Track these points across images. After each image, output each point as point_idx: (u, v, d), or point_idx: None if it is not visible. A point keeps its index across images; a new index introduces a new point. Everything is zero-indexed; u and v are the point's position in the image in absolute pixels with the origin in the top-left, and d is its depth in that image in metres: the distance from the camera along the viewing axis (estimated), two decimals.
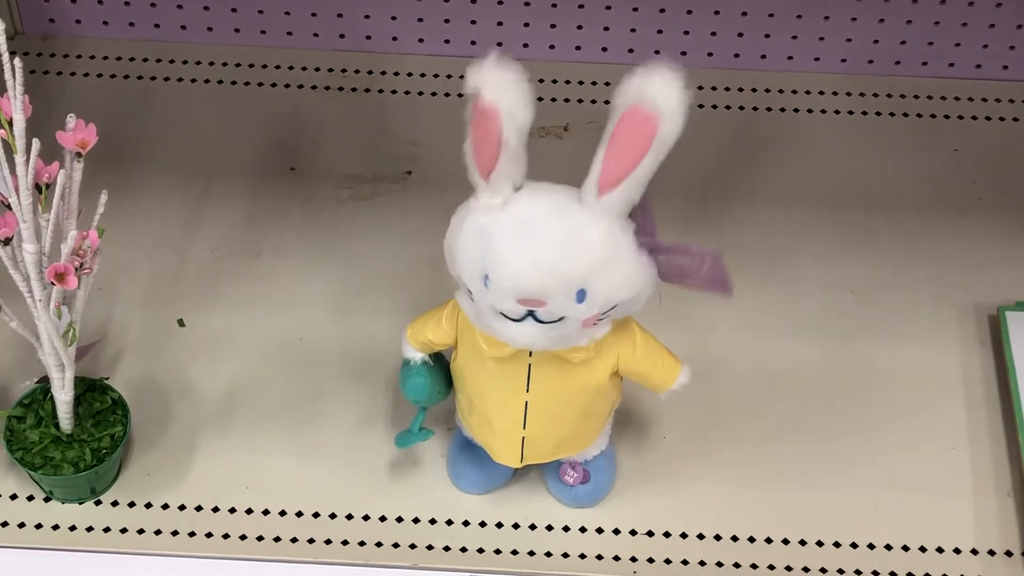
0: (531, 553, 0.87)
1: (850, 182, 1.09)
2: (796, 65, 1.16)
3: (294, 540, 0.87)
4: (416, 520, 0.88)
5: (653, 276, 0.72)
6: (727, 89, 1.15)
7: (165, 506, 0.88)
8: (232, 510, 0.88)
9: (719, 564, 0.87)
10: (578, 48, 1.16)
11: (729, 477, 0.91)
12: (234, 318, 0.98)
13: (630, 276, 0.71)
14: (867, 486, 0.91)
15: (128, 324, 0.98)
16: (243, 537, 0.87)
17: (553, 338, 0.73)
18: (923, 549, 0.88)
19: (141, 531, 0.87)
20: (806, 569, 0.87)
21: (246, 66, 1.16)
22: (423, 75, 1.16)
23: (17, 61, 0.70)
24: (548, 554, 0.87)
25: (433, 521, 0.88)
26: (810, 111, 1.14)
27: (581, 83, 1.15)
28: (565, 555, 0.87)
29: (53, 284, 0.75)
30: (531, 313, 0.71)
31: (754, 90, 1.15)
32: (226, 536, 0.87)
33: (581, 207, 0.70)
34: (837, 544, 0.88)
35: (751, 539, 0.88)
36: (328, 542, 0.87)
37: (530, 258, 0.70)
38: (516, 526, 0.88)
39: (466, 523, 0.88)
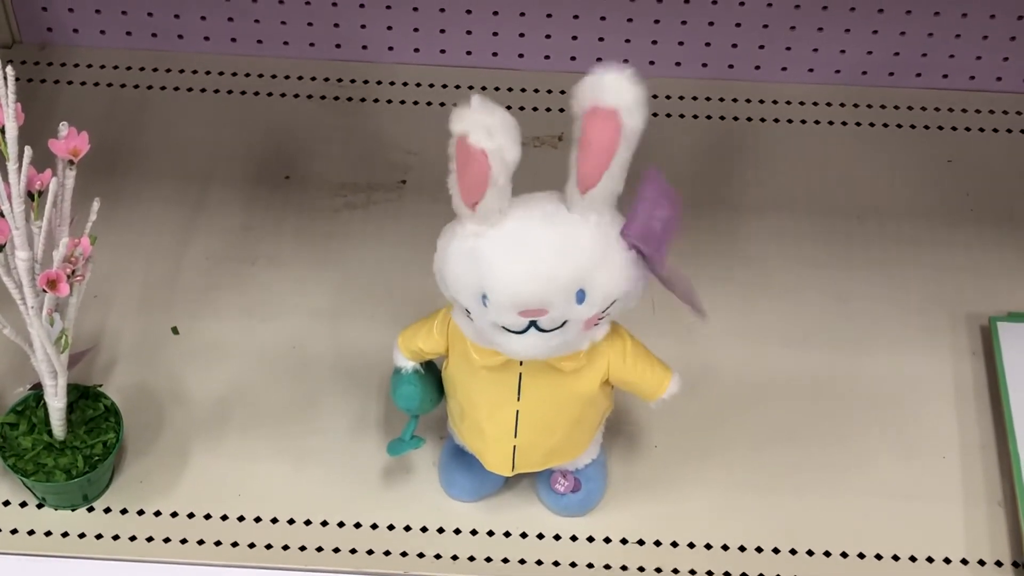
0: (522, 561, 0.87)
1: (843, 192, 1.09)
2: (790, 76, 1.17)
3: (286, 547, 0.87)
4: (408, 528, 0.88)
5: (645, 269, 0.73)
6: (721, 100, 1.16)
7: (157, 513, 0.89)
8: (224, 517, 0.89)
9: (710, 573, 0.87)
10: (573, 59, 1.16)
11: (720, 486, 0.91)
12: (228, 326, 0.99)
13: (625, 268, 0.72)
14: (858, 495, 0.91)
15: (122, 331, 0.98)
16: (235, 544, 0.87)
17: (555, 346, 0.74)
18: (913, 559, 0.88)
19: (133, 538, 0.87)
20: None
21: (242, 75, 1.16)
22: (418, 85, 1.16)
23: (10, 69, 0.70)
24: (539, 562, 0.87)
25: (425, 529, 0.88)
26: (804, 122, 1.14)
27: None
28: (556, 563, 0.87)
29: (45, 291, 0.76)
30: (533, 323, 0.72)
31: (748, 101, 1.16)
32: (218, 543, 0.87)
33: (568, 210, 0.71)
34: (827, 553, 0.88)
35: (742, 548, 0.88)
36: (320, 549, 0.87)
37: (527, 270, 0.70)
38: (508, 534, 0.88)
39: (457, 531, 0.88)
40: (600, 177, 0.69)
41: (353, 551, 0.87)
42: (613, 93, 0.67)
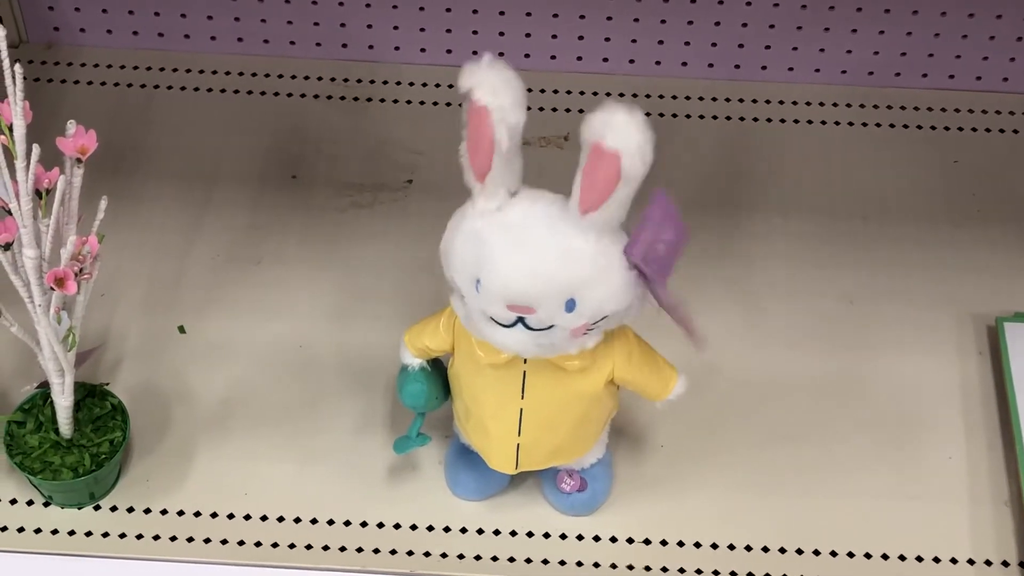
0: (528, 560, 0.87)
1: (849, 193, 1.09)
2: (796, 76, 1.17)
3: (292, 546, 0.87)
4: (413, 527, 0.88)
5: (643, 291, 0.73)
6: (727, 100, 1.16)
7: (164, 511, 0.89)
8: (231, 516, 0.89)
9: (715, 573, 0.87)
10: (579, 59, 1.16)
11: (726, 486, 0.91)
12: (234, 325, 0.99)
13: (620, 289, 0.72)
14: (864, 495, 0.91)
15: (129, 330, 0.98)
16: (241, 543, 0.87)
17: (543, 346, 0.74)
18: (920, 559, 0.88)
19: (140, 536, 0.88)
20: None
21: (249, 75, 1.16)
22: (424, 84, 1.16)
23: (18, 67, 0.70)
24: (545, 561, 0.87)
25: (430, 528, 0.88)
26: (810, 122, 1.14)
27: (582, 93, 1.16)
28: (562, 563, 0.87)
29: (53, 289, 0.76)
30: (521, 320, 0.72)
31: (754, 101, 1.16)
32: (224, 542, 0.88)
33: (572, 219, 0.71)
34: (834, 553, 0.88)
35: (748, 548, 0.88)
36: (326, 548, 0.87)
37: (520, 265, 0.70)
38: (513, 533, 0.88)
39: (463, 530, 0.88)
40: (599, 207, 0.69)
41: (359, 550, 0.87)
42: (618, 136, 0.66)
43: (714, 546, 0.88)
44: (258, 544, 0.87)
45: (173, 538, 0.88)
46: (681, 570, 0.87)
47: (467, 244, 0.72)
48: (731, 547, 0.88)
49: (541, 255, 0.70)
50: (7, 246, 0.76)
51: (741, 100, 1.16)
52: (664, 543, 0.88)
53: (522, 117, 0.69)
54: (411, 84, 1.16)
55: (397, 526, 0.88)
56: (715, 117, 1.15)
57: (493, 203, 0.71)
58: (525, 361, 0.78)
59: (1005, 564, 0.88)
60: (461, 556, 0.87)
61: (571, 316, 0.72)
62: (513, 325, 0.72)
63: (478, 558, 0.87)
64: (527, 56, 1.17)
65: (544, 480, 0.89)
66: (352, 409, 0.94)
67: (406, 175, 1.09)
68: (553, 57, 1.17)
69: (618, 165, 0.67)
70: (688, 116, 1.15)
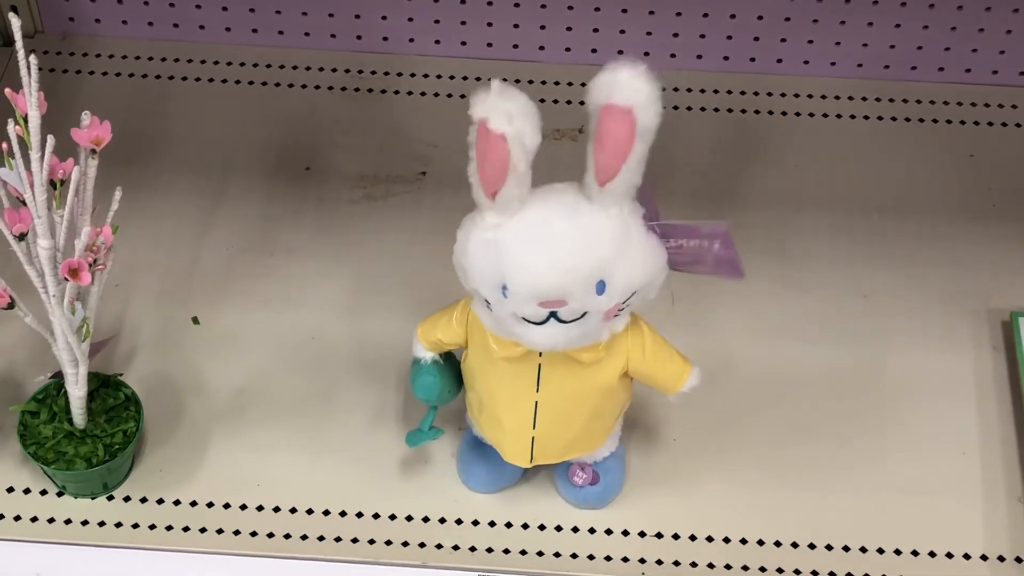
0: (540, 553, 0.87)
1: (865, 186, 1.09)
2: (812, 69, 1.16)
3: (304, 537, 0.88)
4: (425, 519, 0.89)
5: (665, 258, 0.73)
6: (743, 93, 1.15)
7: (177, 502, 0.89)
8: (243, 507, 0.89)
9: (727, 567, 0.87)
10: (594, 51, 1.16)
11: (739, 480, 0.91)
12: (248, 316, 0.99)
13: (645, 259, 0.72)
14: (877, 490, 0.90)
15: (142, 321, 0.98)
16: (254, 534, 0.88)
17: (574, 337, 0.74)
18: (932, 554, 0.88)
19: (153, 527, 0.88)
20: (815, 573, 0.87)
21: (263, 66, 1.16)
22: (439, 76, 1.16)
23: (33, 58, 0.71)
24: (557, 554, 0.87)
25: (442, 520, 0.88)
26: (825, 116, 1.14)
27: None
28: (574, 556, 0.87)
29: (67, 280, 0.76)
30: (553, 314, 0.72)
31: (769, 94, 1.15)
32: (237, 532, 0.88)
33: (587, 201, 0.71)
34: (846, 548, 0.88)
35: (760, 542, 0.88)
36: (338, 540, 0.87)
37: (547, 260, 0.70)
38: (525, 526, 0.88)
39: (475, 522, 0.88)
40: (618, 171, 0.69)
41: (371, 541, 0.88)
42: (627, 90, 0.67)
43: (726, 540, 0.88)
44: (270, 535, 0.88)
45: (186, 528, 0.88)
46: (693, 564, 0.87)
47: (483, 254, 0.72)
48: (743, 541, 0.88)
49: (566, 245, 0.70)
50: (22, 236, 0.76)
51: (756, 93, 1.16)
52: (676, 537, 0.88)
53: (538, 139, 0.69)
54: (425, 76, 1.16)
55: (409, 518, 0.89)
56: (730, 110, 1.14)
57: (505, 216, 0.71)
58: (540, 354, 0.78)
59: (1018, 560, 0.87)
60: (473, 549, 0.87)
61: (603, 298, 0.72)
62: (545, 321, 0.72)
63: (490, 551, 0.87)
64: (541, 48, 1.16)
65: (556, 473, 0.89)
66: (365, 401, 0.94)
67: (420, 167, 1.09)
68: (568, 49, 1.16)
69: (632, 121, 0.67)
70: (703, 109, 1.14)
